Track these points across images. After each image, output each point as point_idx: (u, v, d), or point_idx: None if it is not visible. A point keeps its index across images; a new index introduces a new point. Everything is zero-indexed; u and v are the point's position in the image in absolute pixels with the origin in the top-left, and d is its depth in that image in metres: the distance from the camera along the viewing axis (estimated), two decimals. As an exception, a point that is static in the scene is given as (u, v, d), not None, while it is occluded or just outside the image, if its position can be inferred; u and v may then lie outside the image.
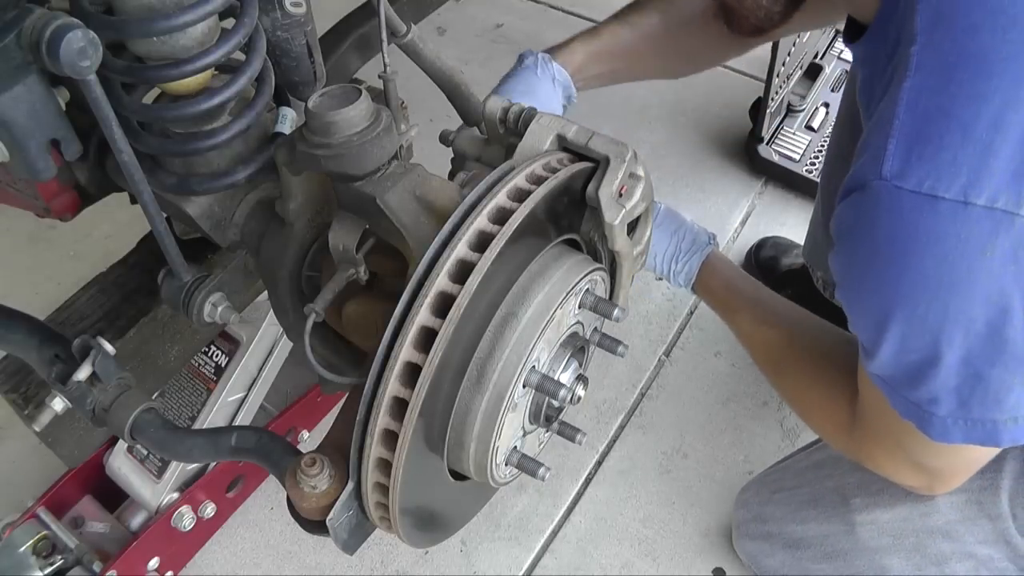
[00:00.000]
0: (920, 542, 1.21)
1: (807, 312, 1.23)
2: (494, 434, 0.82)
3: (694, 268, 1.29)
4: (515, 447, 0.89)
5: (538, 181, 0.81)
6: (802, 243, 1.93)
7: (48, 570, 1.38)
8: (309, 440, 1.70)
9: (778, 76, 2.12)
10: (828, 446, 1.38)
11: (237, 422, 1.54)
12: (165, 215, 0.96)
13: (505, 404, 0.81)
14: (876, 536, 1.25)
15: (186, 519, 1.50)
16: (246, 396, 1.54)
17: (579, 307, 0.87)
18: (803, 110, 2.27)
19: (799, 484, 1.39)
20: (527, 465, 0.89)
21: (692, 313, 1.99)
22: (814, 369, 1.16)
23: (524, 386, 0.82)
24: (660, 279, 1.37)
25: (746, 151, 2.26)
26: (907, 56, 0.82)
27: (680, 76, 1.55)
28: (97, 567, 1.40)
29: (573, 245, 0.91)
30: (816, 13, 1.17)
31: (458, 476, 0.91)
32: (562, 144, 0.89)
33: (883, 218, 0.81)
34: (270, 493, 1.69)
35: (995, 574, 1.18)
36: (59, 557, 1.40)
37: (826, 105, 2.29)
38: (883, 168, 0.79)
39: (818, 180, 2.10)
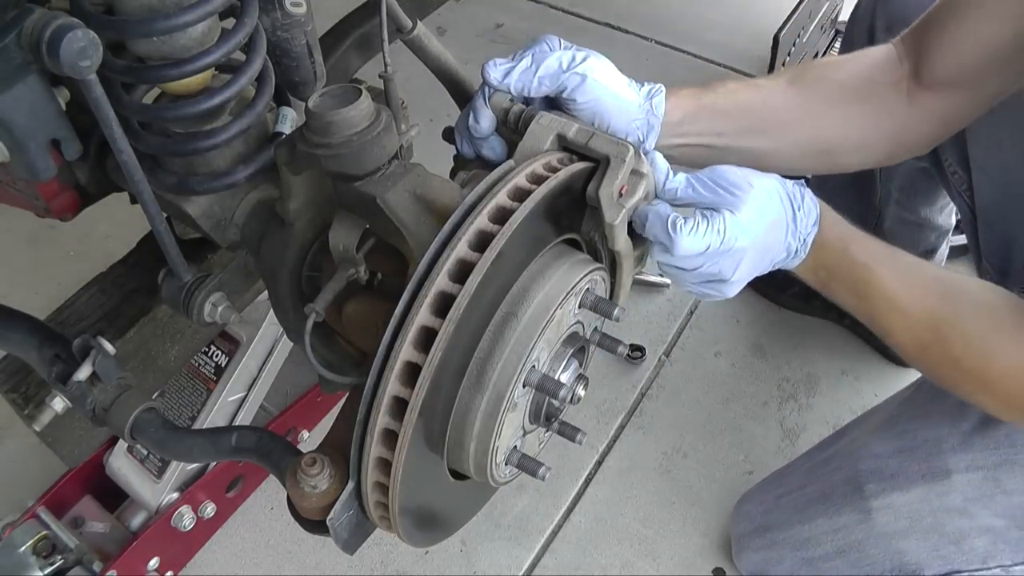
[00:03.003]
0: (938, 521, 1.21)
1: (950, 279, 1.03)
2: (494, 434, 0.82)
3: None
4: (515, 447, 0.89)
5: (538, 181, 0.81)
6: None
7: (48, 570, 1.38)
8: (309, 440, 1.70)
9: (778, 76, 2.11)
10: (834, 443, 1.38)
11: (237, 422, 1.53)
12: (165, 215, 0.96)
13: (505, 404, 0.81)
14: (893, 520, 1.25)
15: (186, 519, 1.50)
16: (246, 396, 1.54)
17: (579, 307, 0.87)
18: (803, 110, 2.26)
19: (807, 482, 1.39)
20: (527, 465, 0.89)
21: (692, 313, 1.99)
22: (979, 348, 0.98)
23: (524, 386, 0.82)
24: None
25: (746, 151, 2.25)
26: None
27: (806, 167, 1.21)
28: (97, 567, 1.40)
29: (573, 245, 0.91)
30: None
31: (458, 476, 0.91)
32: (562, 144, 0.89)
33: None
34: (270, 493, 1.69)
35: (1012, 547, 1.19)
36: (59, 557, 1.40)
37: (826, 105, 2.28)
38: None
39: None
